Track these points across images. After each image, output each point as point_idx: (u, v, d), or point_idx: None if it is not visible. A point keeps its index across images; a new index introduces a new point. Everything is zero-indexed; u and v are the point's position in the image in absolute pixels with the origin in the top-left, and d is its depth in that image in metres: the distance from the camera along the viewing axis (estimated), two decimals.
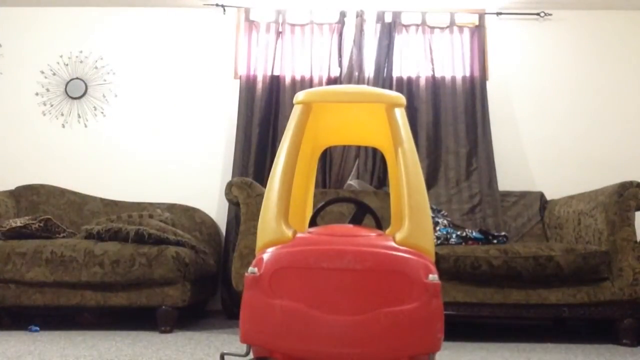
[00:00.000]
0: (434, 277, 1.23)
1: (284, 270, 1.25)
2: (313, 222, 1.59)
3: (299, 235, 1.32)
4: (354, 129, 1.66)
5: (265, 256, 1.27)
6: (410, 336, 1.21)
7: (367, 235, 1.34)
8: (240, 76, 4.22)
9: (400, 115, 1.35)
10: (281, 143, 1.35)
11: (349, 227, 1.46)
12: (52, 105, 4.31)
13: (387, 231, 1.64)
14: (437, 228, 3.48)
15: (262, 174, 3.95)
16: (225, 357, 1.41)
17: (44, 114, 4.30)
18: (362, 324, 1.21)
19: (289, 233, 1.30)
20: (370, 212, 1.69)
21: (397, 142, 1.32)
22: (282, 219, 1.31)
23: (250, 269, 1.26)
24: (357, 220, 1.70)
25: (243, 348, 1.39)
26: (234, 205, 3.45)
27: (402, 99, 1.40)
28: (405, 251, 1.26)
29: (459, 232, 3.40)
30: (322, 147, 1.83)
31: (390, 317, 1.21)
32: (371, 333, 1.21)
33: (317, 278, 1.24)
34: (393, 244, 1.28)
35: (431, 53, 4.23)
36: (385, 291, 1.23)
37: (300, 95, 1.40)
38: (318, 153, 1.82)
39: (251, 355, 1.32)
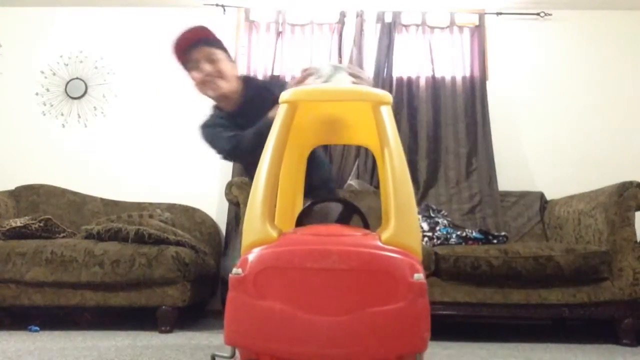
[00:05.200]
0: (419, 276, 1.22)
1: (269, 271, 1.23)
2: (300, 223, 1.58)
3: (284, 235, 1.31)
4: (342, 128, 1.65)
5: (250, 256, 1.26)
6: (396, 336, 1.20)
7: (353, 235, 1.33)
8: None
9: (387, 113, 1.34)
10: (266, 143, 1.34)
11: (335, 227, 1.44)
12: (52, 105, 4.32)
13: (378, 230, 1.63)
14: (437, 228, 3.47)
15: None
16: (217, 358, 1.40)
17: (44, 114, 4.31)
18: (347, 324, 1.20)
19: (274, 233, 1.29)
20: (357, 212, 1.68)
21: (383, 141, 1.31)
22: (267, 219, 1.30)
23: (235, 269, 1.25)
24: (344, 219, 1.69)
25: None
26: (233, 205, 3.46)
27: (388, 97, 1.38)
28: (391, 250, 1.24)
29: (459, 232, 3.39)
30: (310, 147, 1.81)
31: (376, 317, 1.19)
32: (357, 333, 1.20)
33: (302, 278, 1.22)
34: (379, 243, 1.26)
35: (431, 53, 4.22)
36: (370, 291, 1.21)
37: (285, 95, 1.39)
38: (306, 153, 1.80)
39: (237, 357, 1.31)
